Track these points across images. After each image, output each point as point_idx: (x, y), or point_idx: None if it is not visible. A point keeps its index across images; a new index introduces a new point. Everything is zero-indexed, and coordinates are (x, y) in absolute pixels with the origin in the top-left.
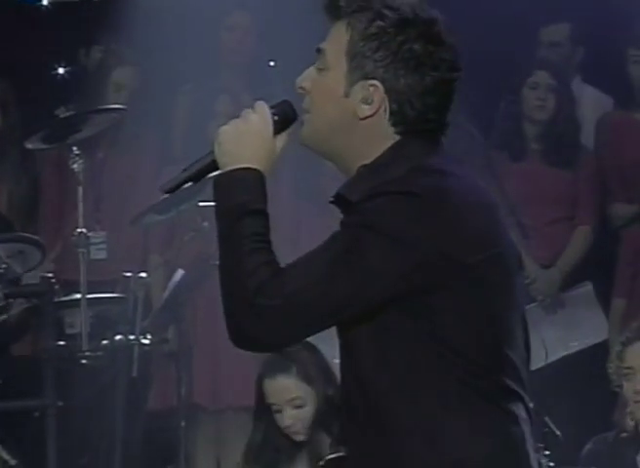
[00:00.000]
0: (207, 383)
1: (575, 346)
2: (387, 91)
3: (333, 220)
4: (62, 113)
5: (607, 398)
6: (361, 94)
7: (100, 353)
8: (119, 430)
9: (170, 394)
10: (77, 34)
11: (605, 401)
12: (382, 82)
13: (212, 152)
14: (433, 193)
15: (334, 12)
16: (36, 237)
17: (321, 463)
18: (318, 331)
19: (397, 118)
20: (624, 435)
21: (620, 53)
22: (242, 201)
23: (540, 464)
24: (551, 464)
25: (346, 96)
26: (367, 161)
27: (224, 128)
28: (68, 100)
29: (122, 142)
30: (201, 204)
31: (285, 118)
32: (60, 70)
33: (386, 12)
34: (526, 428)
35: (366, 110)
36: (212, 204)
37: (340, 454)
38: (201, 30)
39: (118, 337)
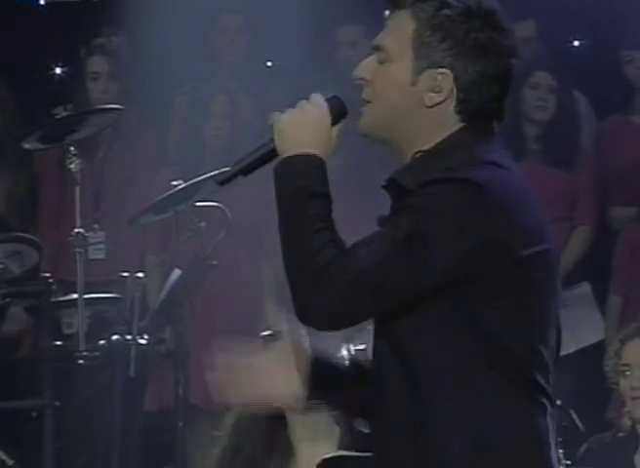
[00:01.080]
0: (204, 384)
1: (572, 346)
2: (455, 79)
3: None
4: (60, 113)
5: (604, 398)
6: (429, 82)
7: (97, 353)
8: (116, 430)
9: (167, 394)
10: (74, 34)
11: (602, 401)
12: (451, 70)
13: (268, 142)
14: (493, 184)
15: (396, 2)
16: (33, 237)
17: (318, 463)
18: (379, 312)
19: (463, 106)
20: (621, 434)
21: (610, 54)
22: (305, 184)
23: (558, 458)
24: (568, 462)
25: (413, 84)
26: (424, 147)
27: (284, 116)
28: (66, 101)
29: (121, 143)
30: (198, 204)
31: (338, 111)
32: (58, 70)
33: (451, 1)
34: (551, 422)
35: (434, 98)
36: (209, 204)
37: (337, 454)
38: (197, 31)
39: (115, 338)
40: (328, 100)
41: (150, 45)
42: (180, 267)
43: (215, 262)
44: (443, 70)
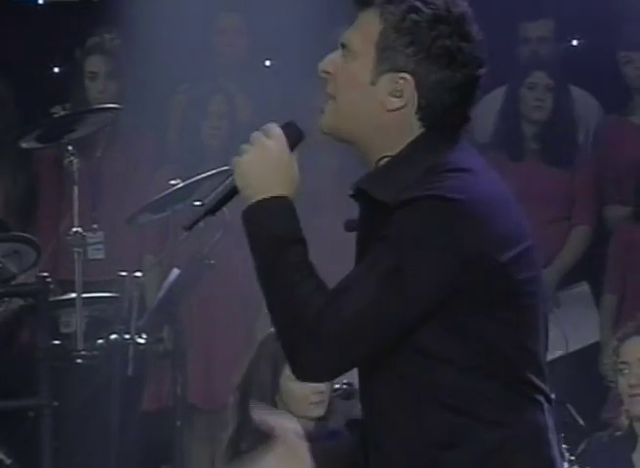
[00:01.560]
0: (202, 383)
1: (571, 346)
2: (417, 85)
3: (322, 218)
4: (58, 112)
5: (602, 398)
6: (390, 86)
7: (95, 352)
8: (114, 429)
9: (165, 394)
10: (73, 34)
11: (600, 400)
12: (413, 76)
13: (230, 182)
14: (467, 195)
15: (364, 0)
16: (31, 236)
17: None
18: (376, 351)
19: (424, 112)
20: (619, 433)
21: (610, 54)
22: (282, 232)
23: (562, 454)
24: (572, 458)
25: (373, 84)
26: (389, 153)
27: (244, 158)
28: (64, 100)
29: (119, 142)
30: (196, 203)
31: (295, 138)
32: (56, 69)
33: (421, 6)
34: (550, 419)
35: (395, 103)
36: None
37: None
38: (196, 32)
39: (113, 337)
40: (283, 128)
41: (149, 44)
42: (178, 267)
43: (212, 262)
44: (404, 75)
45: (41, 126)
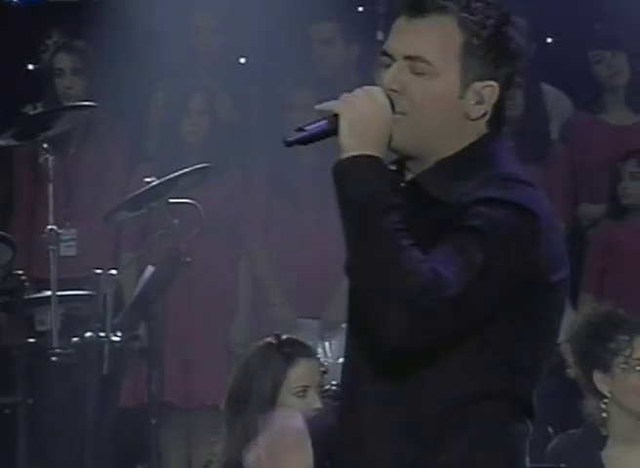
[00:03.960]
0: (178, 381)
1: None
2: (499, 88)
3: (304, 216)
4: (32, 110)
5: (574, 395)
6: (476, 95)
7: (70, 350)
8: (90, 427)
9: (141, 391)
10: (48, 32)
11: (571, 397)
12: (496, 82)
13: (329, 120)
14: (540, 210)
15: (437, 6)
16: (6, 234)
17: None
18: (450, 336)
19: (494, 116)
20: (589, 431)
21: (581, 53)
22: (383, 191)
23: None
24: None
25: (461, 98)
26: (447, 153)
27: (359, 107)
28: (39, 97)
29: (93, 139)
30: (171, 201)
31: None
32: (30, 67)
33: (491, 11)
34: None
35: (479, 111)
36: (182, 201)
37: None
38: (174, 30)
39: (89, 335)
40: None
41: (127, 43)
42: (153, 264)
43: (188, 259)
44: (491, 83)
45: (17, 123)
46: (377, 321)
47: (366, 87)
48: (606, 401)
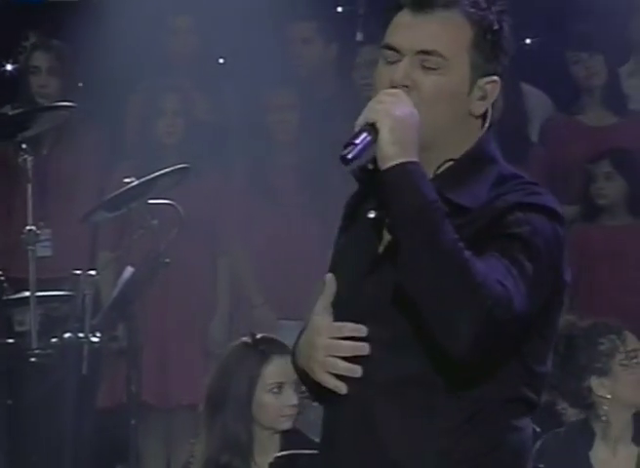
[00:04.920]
0: (156, 382)
1: None
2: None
3: (284, 216)
4: (10, 110)
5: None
6: (480, 91)
7: (49, 351)
8: (69, 428)
9: (119, 392)
10: (25, 32)
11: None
12: (499, 77)
13: (367, 130)
14: (560, 213)
15: (444, 1)
16: None
17: (270, 461)
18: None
19: (493, 113)
20: (576, 430)
21: (559, 53)
22: (437, 198)
23: None
24: None
25: (469, 94)
26: (454, 155)
27: (396, 112)
28: (16, 97)
29: (66, 140)
30: (150, 201)
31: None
32: (8, 67)
33: (495, 6)
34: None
35: (482, 107)
36: (161, 202)
37: (290, 452)
38: (150, 31)
39: (67, 335)
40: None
41: (104, 44)
42: (132, 265)
43: (167, 260)
44: (494, 78)
45: None
46: (449, 333)
47: (388, 90)
48: (606, 405)
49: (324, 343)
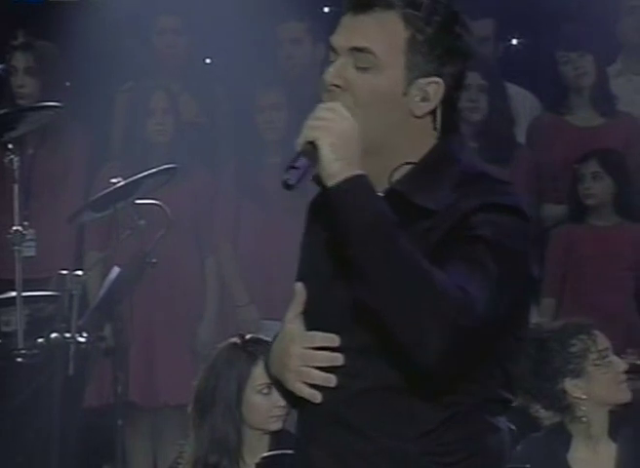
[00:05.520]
0: (143, 381)
1: None
2: (444, 87)
3: (272, 216)
4: None
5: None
6: (420, 92)
7: (35, 351)
8: (55, 429)
9: (106, 392)
10: (14, 32)
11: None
12: (442, 78)
13: (307, 150)
14: (525, 212)
15: (381, 2)
16: None
17: (257, 462)
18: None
19: (447, 114)
20: (554, 433)
21: (548, 53)
22: (387, 209)
23: None
24: None
25: (405, 95)
26: (410, 159)
27: (335, 127)
28: (3, 98)
29: (52, 140)
30: (137, 202)
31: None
32: None
33: (438, 7)
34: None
35: (424, 108)
36: (148, 202)
37: (276, 452)
38: (138, 32)
39: (54, 335)
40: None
41: (93, 43)
42: (119, 265)
43: (154, 260)
44: (435, 79)
45: None
46: (416, 348)
47: (325, 104)
48: (584, 405)
49: (298, 352)
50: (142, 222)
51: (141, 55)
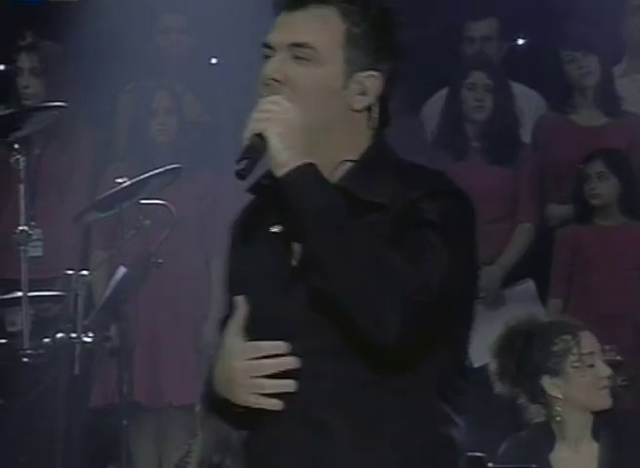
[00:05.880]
0: (148, 382)
1: None
2: (382, 82)
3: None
4: (2, 110)
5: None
6: (358, 86)
7: (41, 351)
8: (60, 428)
9: (111, 392)
10: (22, 33)
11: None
12: (379, 72)
13: (255, 142)
14: (469, 197)
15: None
16: None
17: None
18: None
19: (382, 109)
20: (538, 433)
21: (552, 52)
22: (335, 196)
23: None
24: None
25: (344, 88)
26: (350, 154)
27: (281, 118)
28: (9, 98)
29: (58, 139)
30: (143, 202)
31: None
32: (1, 67)
33: (372, 2)
34: None
35: (362, 101)
36: (153, 202)
37: None
38: (143, 31)
39: (60, 336)
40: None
41: (97, 44)
42: (124, 265)
43: (160, 260)
44: (373, 73)
45: None
46: (374, 325)
47: (268, 98)
48: (560, 404)
49: (242, 366)
50: (148, 222)
51: (146, 54)
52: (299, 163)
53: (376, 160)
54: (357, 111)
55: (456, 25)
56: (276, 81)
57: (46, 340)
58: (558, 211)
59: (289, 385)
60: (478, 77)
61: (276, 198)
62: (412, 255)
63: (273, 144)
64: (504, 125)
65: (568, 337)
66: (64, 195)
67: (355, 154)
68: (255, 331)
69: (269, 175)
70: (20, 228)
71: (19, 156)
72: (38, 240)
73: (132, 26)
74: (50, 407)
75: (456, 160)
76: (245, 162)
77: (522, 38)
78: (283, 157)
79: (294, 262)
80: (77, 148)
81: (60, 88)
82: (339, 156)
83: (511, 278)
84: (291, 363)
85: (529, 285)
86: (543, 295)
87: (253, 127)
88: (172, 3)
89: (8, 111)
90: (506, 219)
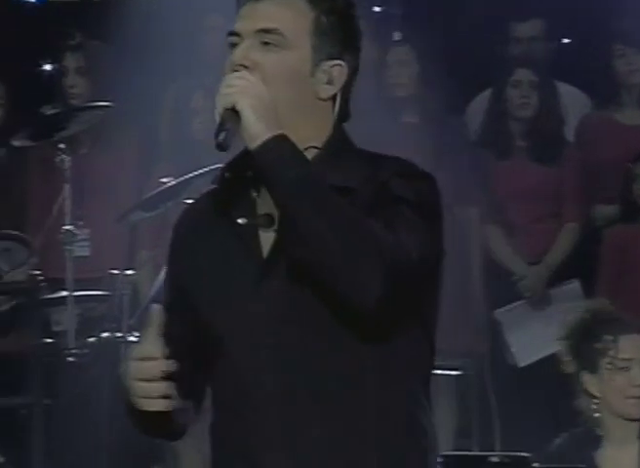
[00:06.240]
0: None
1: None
2: (347, 71)
3: None
4: (49, 110)
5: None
6: (325, 74)
7: (86, 351)
8: (105, 428)
9: None
10: (64, 31)
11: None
12: (346, 62)
13: (228, 116)
14: (435, 180)
15: None
16: (22, 234)
17: None
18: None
19: (345, 98)
20: (590, 430)
21: (600, 49)
22: (310, 165)
23: None
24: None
25: (312, 75)
26: (314, 142)
27: (251, 91)
28: (55, 98)
29: (105, 139)
30: (187, 201)
31: None
32: (47, 67)
33: None
34: None
35: (328, 90)
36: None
37: None
38: (187, 31)
39: (105, 335)
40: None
41: (141, 43)
42: None
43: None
44: (339, 62)
45: (33, 124)
46: (356, 287)
47: (234, 74)
48: (597, 401)
49: (129, 369)
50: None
51: (190, 53)
52: (273, 134)
53: (341, 147)
54: (323, 100)
55: (501, 26)
56: (245, 67)
57: (91, 340)
58: (605, 211)
59: (160, 389)
60: (523, 74)
61: (253, 168)
62: (389, 226)
63: (246, 116)
64: (549, 123)
65: (609, 338)
66: (112, 194)
67: (319, 142)
68: (226, 327)
69: (231, 167)
70: (66, 228)
71: (63, 156)
72: (85, 240)
73: (176, 26)
74: (94, 406)
75: (500, 159)
76: (223, 133)
77: (568, 37)
78: (257, 128)
79: (265, 254)
80: (123, 148)
81: (106, 87)
82: (303, 143)
83: (557, 278)
84: (167, 365)
85: (575, 285)
86: (589, 296)
87: (223, 102)
88: (217, 3)
89: (53, 111)
90: (551, 219)
